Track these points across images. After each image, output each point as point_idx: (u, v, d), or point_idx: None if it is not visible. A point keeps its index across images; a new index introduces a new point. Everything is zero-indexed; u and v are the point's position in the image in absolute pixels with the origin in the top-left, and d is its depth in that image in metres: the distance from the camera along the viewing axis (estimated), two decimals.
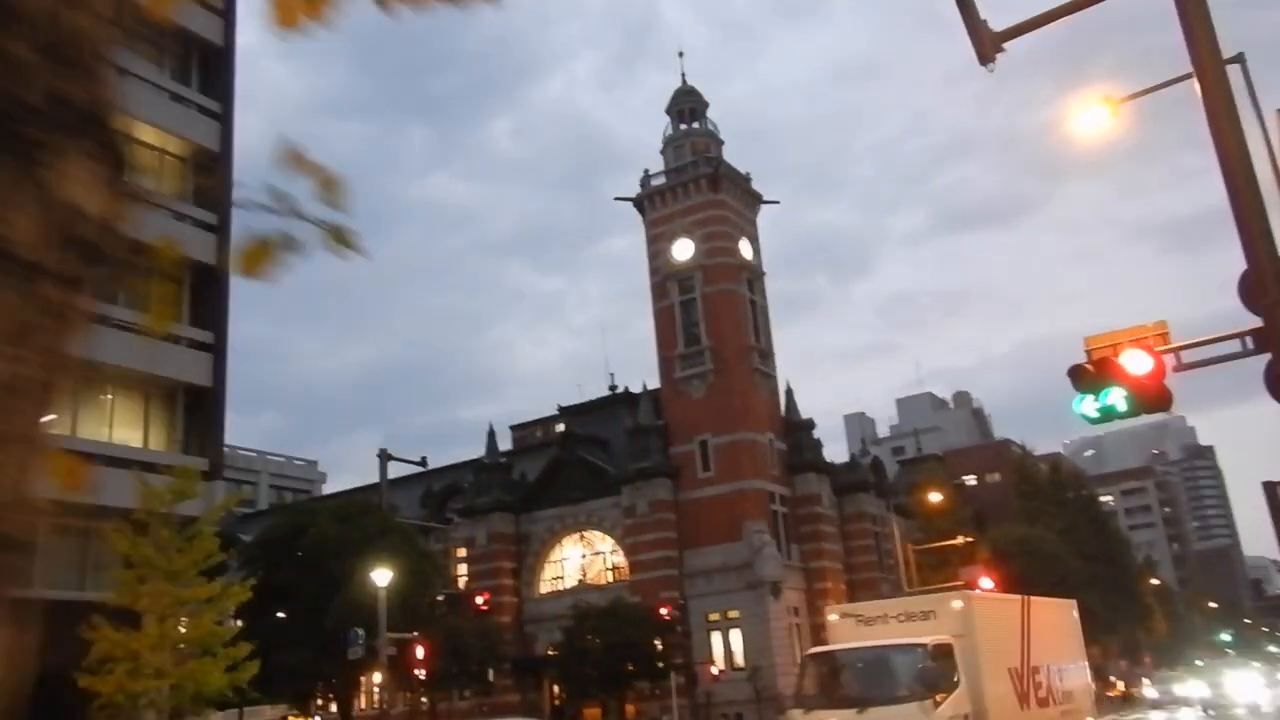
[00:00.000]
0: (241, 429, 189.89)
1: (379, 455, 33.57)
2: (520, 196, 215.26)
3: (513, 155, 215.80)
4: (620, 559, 51.83)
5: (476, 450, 57.46)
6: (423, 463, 35.74)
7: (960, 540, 51.31)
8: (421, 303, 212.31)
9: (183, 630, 18.37)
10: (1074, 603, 26.61)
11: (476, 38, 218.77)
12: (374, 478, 67.36)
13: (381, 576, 25.88)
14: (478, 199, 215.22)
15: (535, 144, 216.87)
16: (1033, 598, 23.95)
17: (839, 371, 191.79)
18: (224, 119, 30.52)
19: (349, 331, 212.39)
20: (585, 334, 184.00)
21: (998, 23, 12.12)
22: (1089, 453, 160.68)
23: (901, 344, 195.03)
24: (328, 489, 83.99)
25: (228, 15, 31.47)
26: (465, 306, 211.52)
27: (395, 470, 75.31)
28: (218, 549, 19.50)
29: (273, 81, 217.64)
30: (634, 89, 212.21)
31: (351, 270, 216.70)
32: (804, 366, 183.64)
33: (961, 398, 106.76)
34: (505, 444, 63.08)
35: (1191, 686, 43.04)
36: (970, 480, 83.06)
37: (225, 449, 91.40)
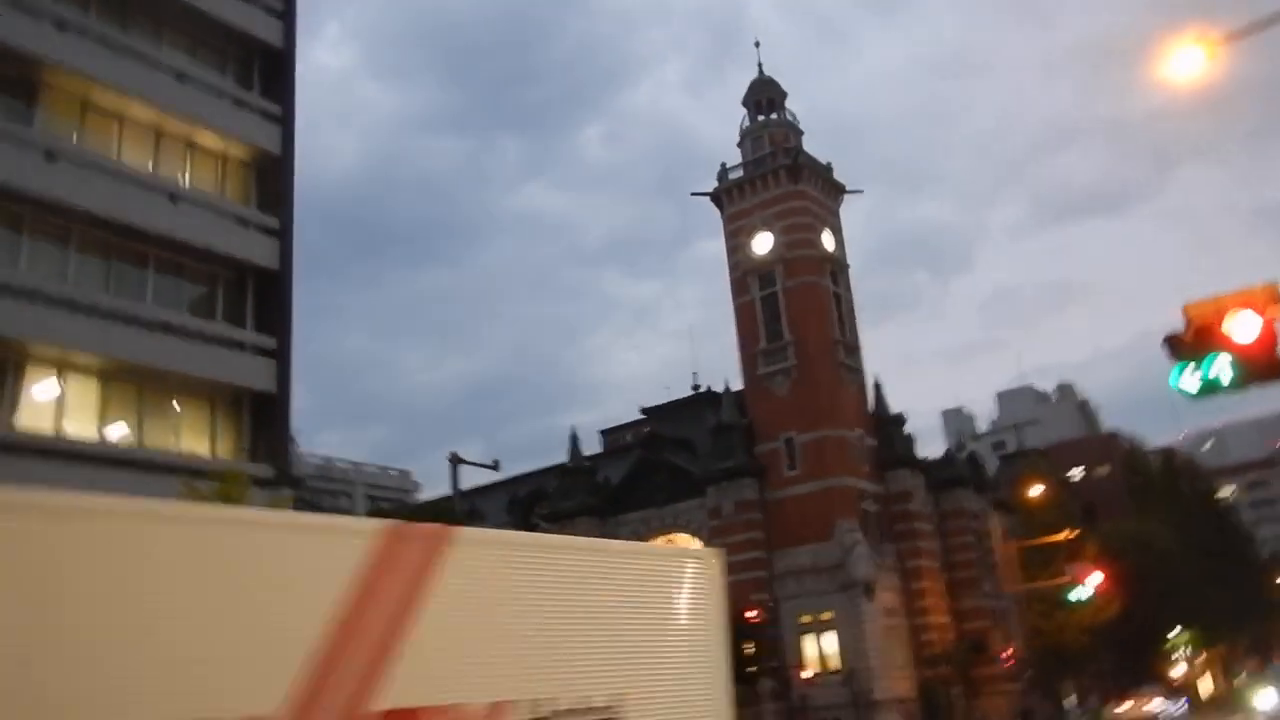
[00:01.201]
0: (350, 442, 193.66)
1: (449, 459, 33.00)
2: (613, 203, 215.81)
3: (605, 163, 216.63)
4: None
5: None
6: (495, 466, 35.07)
7: (1065, 536, 48.90)
8: (520, 313, 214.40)
9: None
10: (715, 554, 9.78)
11: (564, 47, 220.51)
12: (467, 485, 67.73)
13: None
14: (571, 208, 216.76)
15: (626, 151, 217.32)
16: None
17: (942, 370, 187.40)
18: (285, 122, 30.25)
19: (451, 344, 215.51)
20: (680, 338, 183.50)
21: None
22: (1208, 445, 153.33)
23: (1006, 340, 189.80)
24: (424, 498, 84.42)
25: (288, 18, 31.30)
26: (562, 315, 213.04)
27: (481, 477, 74.95)
28: None
29: (369, 101, 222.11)
30: (723, 91, 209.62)
31: (452, 283, 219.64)
32: (904, 366, 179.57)
33: (1065, 391, 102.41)
34: (596, 448, 62.54)
35: (1262, 696, 38.41)
36: (1076, 475, 79.67)
37: (322, 461, 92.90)
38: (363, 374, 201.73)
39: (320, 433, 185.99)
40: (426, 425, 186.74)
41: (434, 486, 65.00)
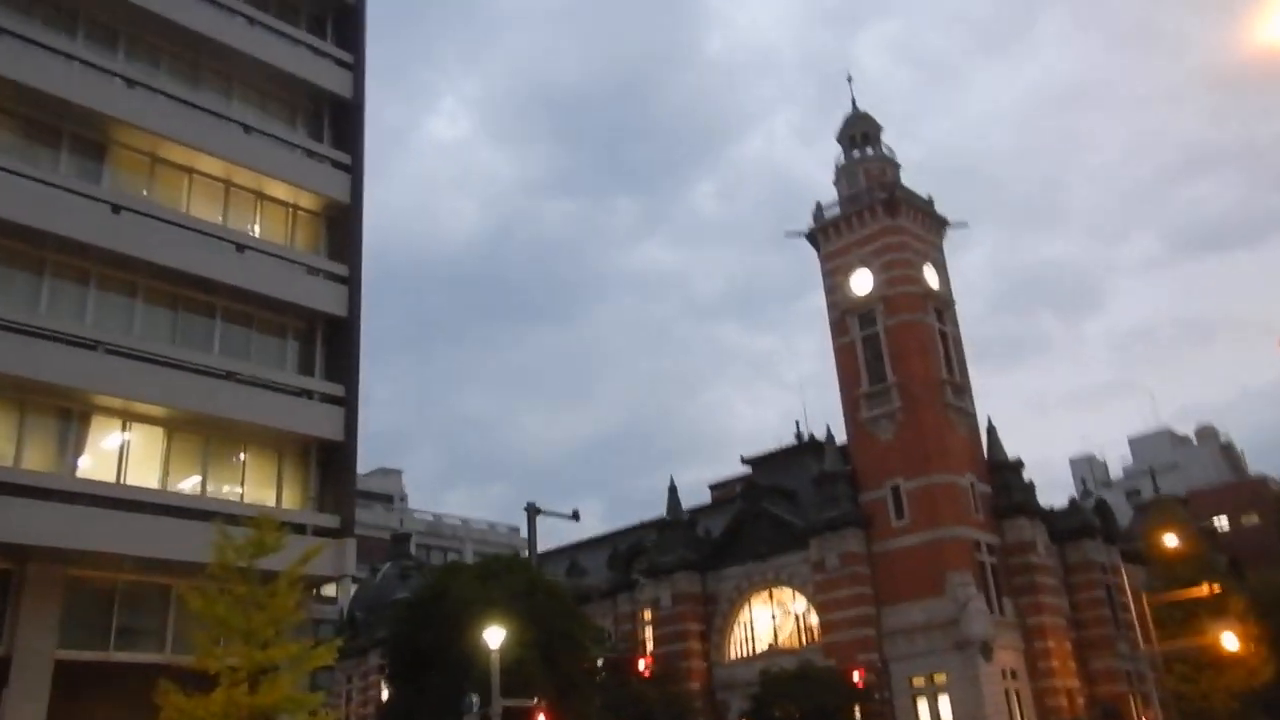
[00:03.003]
0: (473, 500, 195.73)
1: (526, 509, 31.86)
2: (728, 257, 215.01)
3: (718, 217, 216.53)
4: (815, 618, 48.14)
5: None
6: (575, 516, 33.71)
7: (1207, 590, 44.83)
8: (637, 369, 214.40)
9: (256, 695, 16.79)
10: None
11: (673, 105, 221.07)
12: (571, 540, 66.82)
13: (494, 636, 23.96)
14: (686, 263, 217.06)
15: (739, 204, 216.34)
16: None
17: (1074, 416, 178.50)
18: (354, 171, 30.08)
19: (569, 400, 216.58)
20: (799, 390, 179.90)
21: None
22: None
23: (1143, 382, 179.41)
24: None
25: (357, 69, 31.31)
26: (679, 370, 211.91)
27: (583, 531, 73.91)
28: (297, 606, 17.94)
29: (485, 168, 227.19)
30: (834, 140, 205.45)
31: (569, 341, 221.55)
32: (1035, 412, 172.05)
33: (1206, 433, 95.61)
34: (706, 502, 61.03)
35: None
36: (1220, 524, 74.02)
37: (432, 518, 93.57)
38: (485, 432, 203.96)
39: (445, 491, 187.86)
40: (546, 482, 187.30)
41: (548, 541, 64.29)
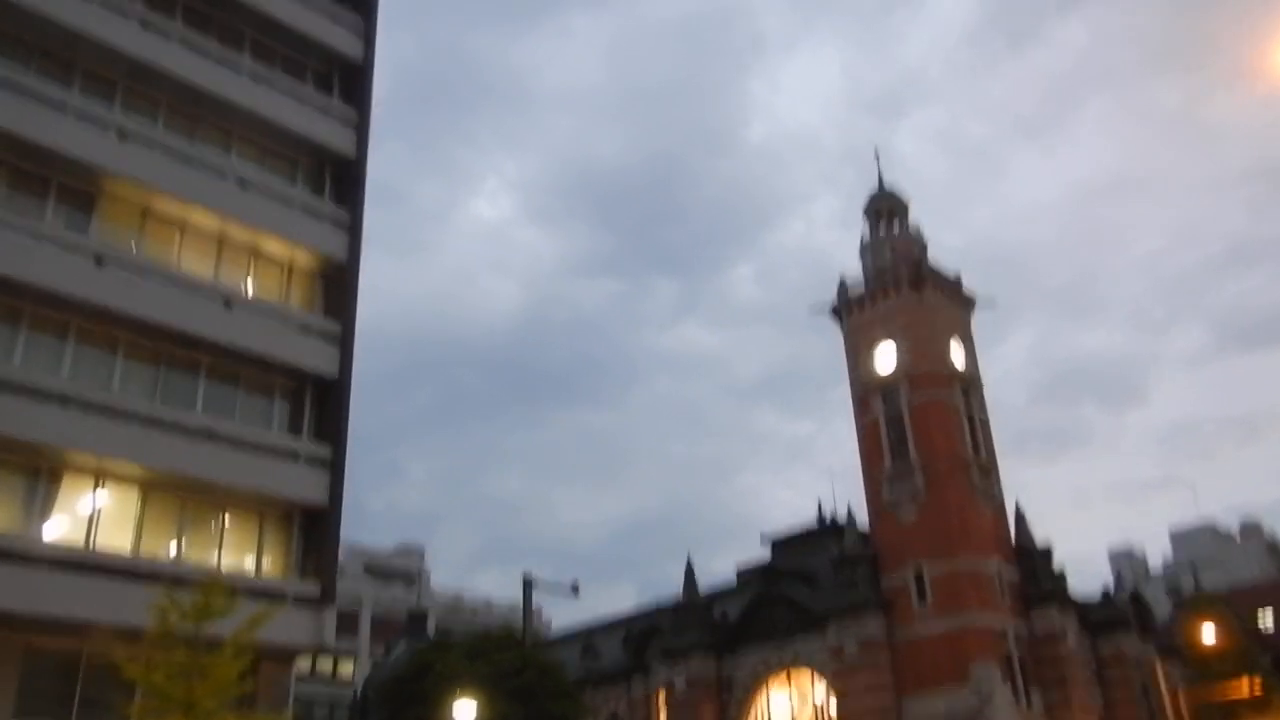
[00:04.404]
0: (506, 580, 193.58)
1: (523, 580, 30.41)
2: (766, 340, 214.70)
3: (756, 300, 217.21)
4: (834, 706, 45.90)
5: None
6: (575, 590, 32.21)
7: (1247, 688, 42.31)
8: (672, 452, 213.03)
9: None
10: None
11: (713, 189, 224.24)
12: (586, 622, 64.85)
13: (463, 711, 22.47)
14: (724, 345, 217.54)
15: (778, 288, 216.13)
16: None
17: (1115, 509, 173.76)
18: (353, 229, 29.44)
19: (603, 484, 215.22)
20: (837, 475, 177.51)
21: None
22: None
23: (1187, 477, 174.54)
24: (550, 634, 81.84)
25: (361, 127, 30.89)
26: (715, 454, 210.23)
27: (603, 613, 71.97)
28: (238, 676, 16.56)
29: (525, 248, 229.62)
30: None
31: (607, 422, 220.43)
32: (1077, 505, 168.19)
33: (1250, 529, 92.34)
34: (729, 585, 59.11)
35: None
36: (1265, 622, 70.81)
37: (452, 596, 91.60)
38: (517, 513, 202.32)
39: (477, 571, 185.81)
40: (578, 564, 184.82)
41: (566, 623, 62.67)
